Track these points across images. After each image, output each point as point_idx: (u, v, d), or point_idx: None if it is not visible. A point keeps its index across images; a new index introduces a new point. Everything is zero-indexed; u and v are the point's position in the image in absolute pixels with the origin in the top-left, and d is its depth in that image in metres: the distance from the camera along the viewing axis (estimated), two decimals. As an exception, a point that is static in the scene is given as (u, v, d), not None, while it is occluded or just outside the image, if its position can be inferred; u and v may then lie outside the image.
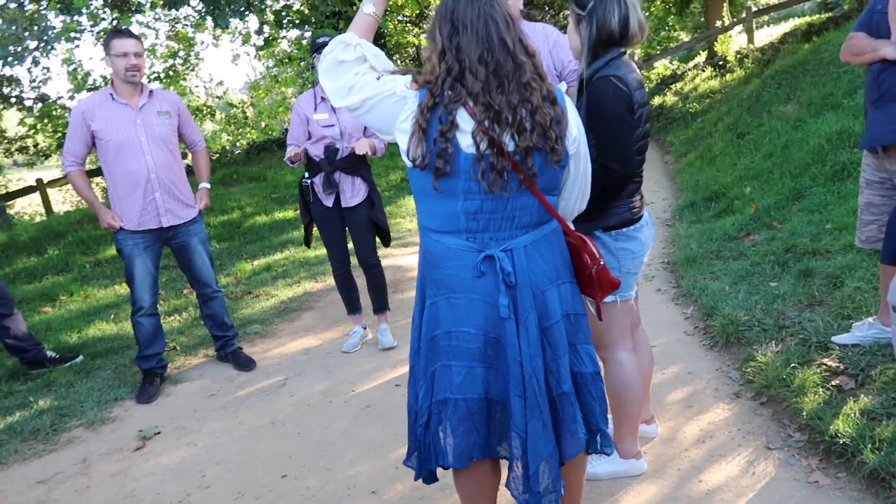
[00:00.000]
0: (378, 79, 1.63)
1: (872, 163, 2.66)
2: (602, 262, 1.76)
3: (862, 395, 2.44)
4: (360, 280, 3.98)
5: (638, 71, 2.09)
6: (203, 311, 3.91)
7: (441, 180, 1.58)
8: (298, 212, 8.27)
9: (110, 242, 7.36)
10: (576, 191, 1.75)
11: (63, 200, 14.39)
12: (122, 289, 5.86)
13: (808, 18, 13.69)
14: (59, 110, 10.67)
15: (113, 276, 6.43)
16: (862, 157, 2.76)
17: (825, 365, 2.69)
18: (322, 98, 3.56)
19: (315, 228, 3.85)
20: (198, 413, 3.38)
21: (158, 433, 3.21)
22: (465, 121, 1.56)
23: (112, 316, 5.13)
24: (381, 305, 3.92)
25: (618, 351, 2.23)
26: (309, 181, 3.67)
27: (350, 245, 3.88)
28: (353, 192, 3.65)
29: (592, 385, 1.75)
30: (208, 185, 3.81)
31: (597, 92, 1.97)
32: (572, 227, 1.79)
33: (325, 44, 3.44)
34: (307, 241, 3.94)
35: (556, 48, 3.21)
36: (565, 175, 1.70)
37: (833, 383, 2.56)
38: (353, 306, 3.99)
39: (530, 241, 1.65)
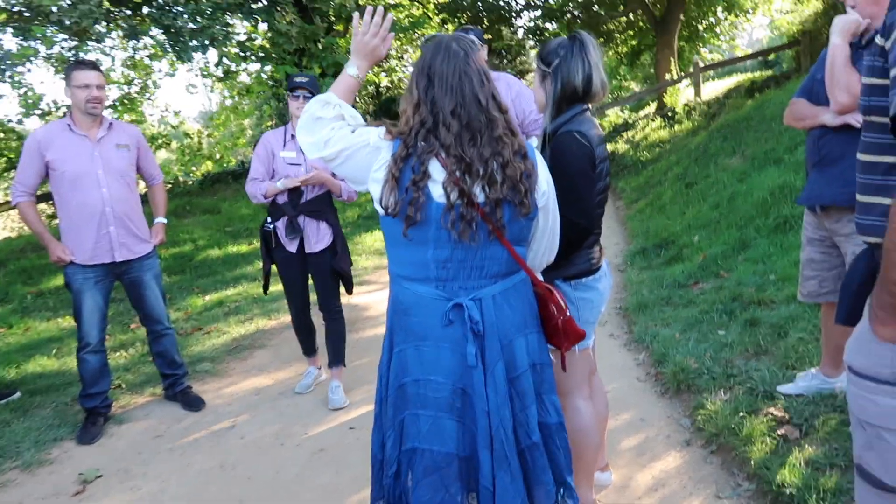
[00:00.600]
0: (353, 132, 1.67)
1: (813, 221, 2.80)
2: (568, 314, 1.80)
3: (806, 445, 2.53)
4: (318, 318, 3.93)
5: (599, 127, 2.18)
6: (152, 349, 3.80)
7: (412, 228, 1.61)
8: (253, 246, 8.21)
9: (54, 272, 7.10)
10: (544, 243, 1.81)
11: (3, 227, 13.82)
12: (66, 322, 5.65)
13: (750, 75, 14.45)
14: (4, 134, 10.34)
15: (56, 308, 6.20)
16: (803, 213, 2.91)
17: (771, 414, 2.78)
18: (292, 136, 3.49)
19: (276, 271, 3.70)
20: (143, 455, 3.26)
21: (100, 476, 3.07)
22: (437, 171, 1.61)
23: (54, 351, 4.93)
24: (336, 359, 3.72)
25: (576, 399, 2.26)
26: (271, 225, 3.55)
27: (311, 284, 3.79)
28: (317, 237, 3.53)
29: (557, 435, 1.78)
30: (164, 220, 3.75)
31: (561, 147, 2.04)
32: (540, 278, 1.84)
33: (301, 84, 3.43)
34: (265, 287, 3.78)
35: (518, 98, 3.31)
36: (534, 227, 1.75)
37: (779, 433, 2.65)
38: (309, 349, 3.92)
39: (499, 291, 1.68)
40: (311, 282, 3.73)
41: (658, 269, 5.45)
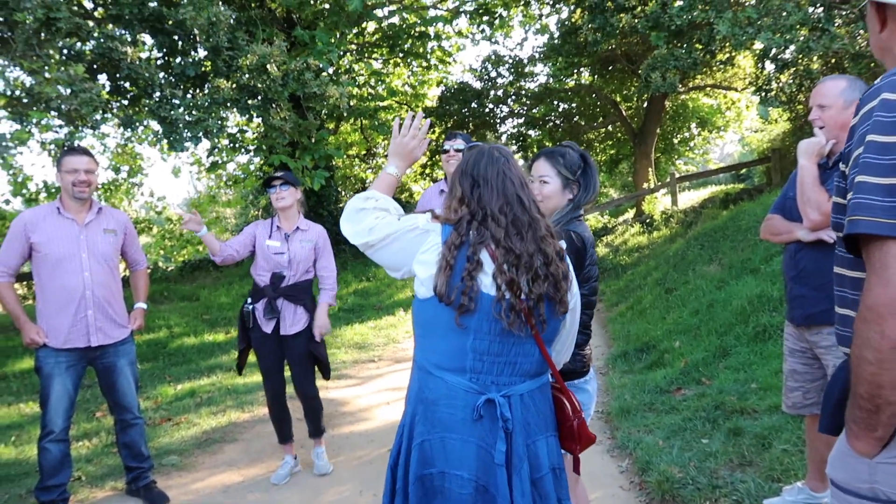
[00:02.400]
0: (398, 219, 1.75)
1: (794, 332, 2.84)
2: (583, 415, 1.79)
3: (796, 564, 2.44)
4: (293, 404, 3.85)
5: (590, 231, 2.27)
6: (119, 439, 3.64)
7: (462, 317, 1.63)
8: (230, 335, 8.07)
9: (20, 355, 6.90)
10: (567, 343, 1.85)
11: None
12: (28, 408, 5.42)
13: (724, 187, 15.04)
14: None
15: (19, 393, 5.96)
16: (784, 323, 2.95)
17: (759, 529, 2.70)
18: (277, 227, 3.67)
19: (252, 356, 3.78)
20: (97, 556, 3.05)
21: (49, 579, 2.87)
22: (487, 262, 1.65)
23: (13, 438, 4.70)
24: (316, 430, 3.83)
25: (560, 508, 2.19)
26: (251, 306, 3.67)
27: (287, 373, 3.80)
28: (293, 320, 3.66)
29: None
30: (145, 306, 3.71)
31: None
32: (561, 379, 1.84)
33: (276, 177, 3.62)
34: (240, 368, 3.86)
35: None
36: (561, 327, 1.78)
37: (768, 549, 2.57)
38: (284, 436, 3.85)
39: (527, 391, 1.69)
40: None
41: (640, 373, 5.43)
